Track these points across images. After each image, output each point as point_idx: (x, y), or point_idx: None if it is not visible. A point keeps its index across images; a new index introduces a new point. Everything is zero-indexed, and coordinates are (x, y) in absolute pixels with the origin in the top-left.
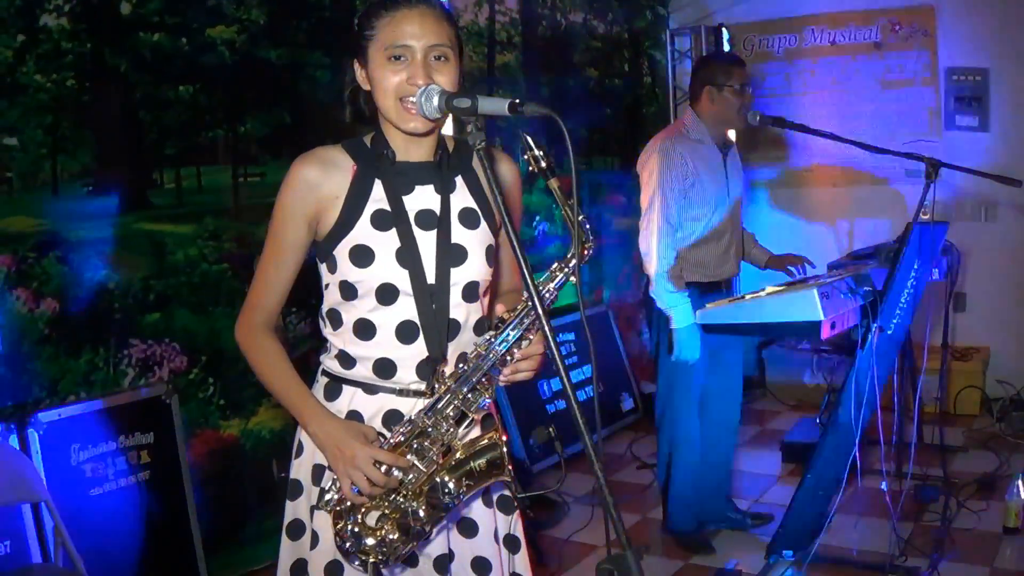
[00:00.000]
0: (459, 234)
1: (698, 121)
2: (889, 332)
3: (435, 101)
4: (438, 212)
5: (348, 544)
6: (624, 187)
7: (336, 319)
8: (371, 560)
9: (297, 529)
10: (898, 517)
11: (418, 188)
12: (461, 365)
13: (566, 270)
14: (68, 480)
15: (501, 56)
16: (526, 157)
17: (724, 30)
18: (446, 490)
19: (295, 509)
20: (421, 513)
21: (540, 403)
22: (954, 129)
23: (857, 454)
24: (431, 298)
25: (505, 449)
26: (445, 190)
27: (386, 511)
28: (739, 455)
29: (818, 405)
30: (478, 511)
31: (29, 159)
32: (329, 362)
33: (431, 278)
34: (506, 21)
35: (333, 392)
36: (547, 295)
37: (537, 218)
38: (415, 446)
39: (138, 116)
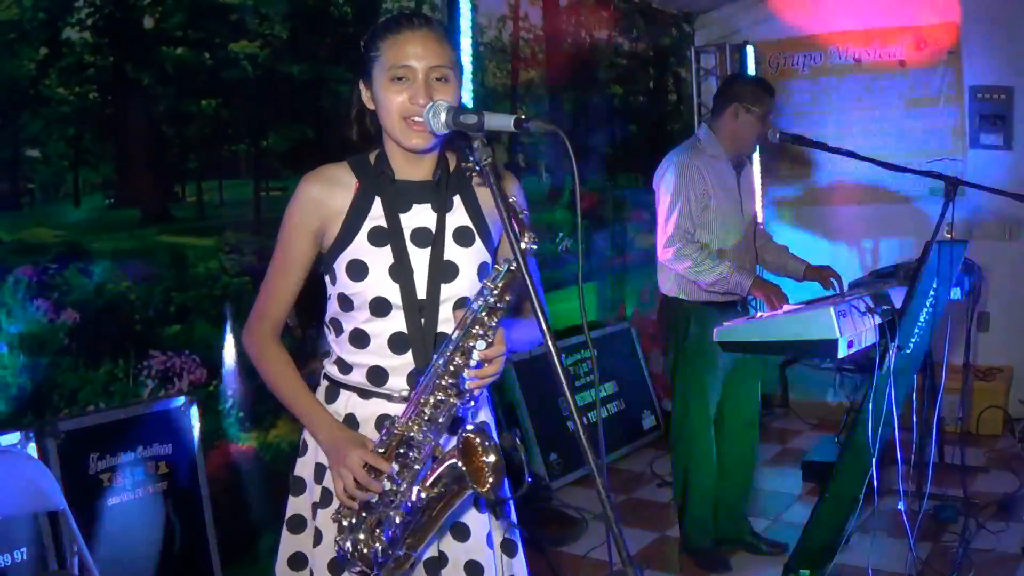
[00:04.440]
0: (452, 251)
1: (713, 138)
2: (908, 351)
3: (442, 117)
4: (433, 230)
5: (344, 551)
6: (648, 204)
7: (337, 327)
8: (362, 568)
9: (298, 524)
10: (916, 537)
11: (416, 206)
12: (420, 376)
13: (508, 265)
14: (86, 489)
15: (525, 72)
16: (470, 163)
17: (749, 48)
18: (419, 499)
19: (297, 505)
20: (397, 520)
21: (561, 419)
22: (978, 147)
23: (874, 473)
24: (420, 312)
25: (463, 466)
26: (441, 209)
27: (370, 519)
28: (760, 474)
29: (840, 424)
30: (471, 516)
31: (51, 171)
32: (330, 367)
33: (422, 293)
34: (530, 38)
35: (332, 395)
36: (500, 299)
37: (560, 235)
38: (401, 453)
39: (160, 129)
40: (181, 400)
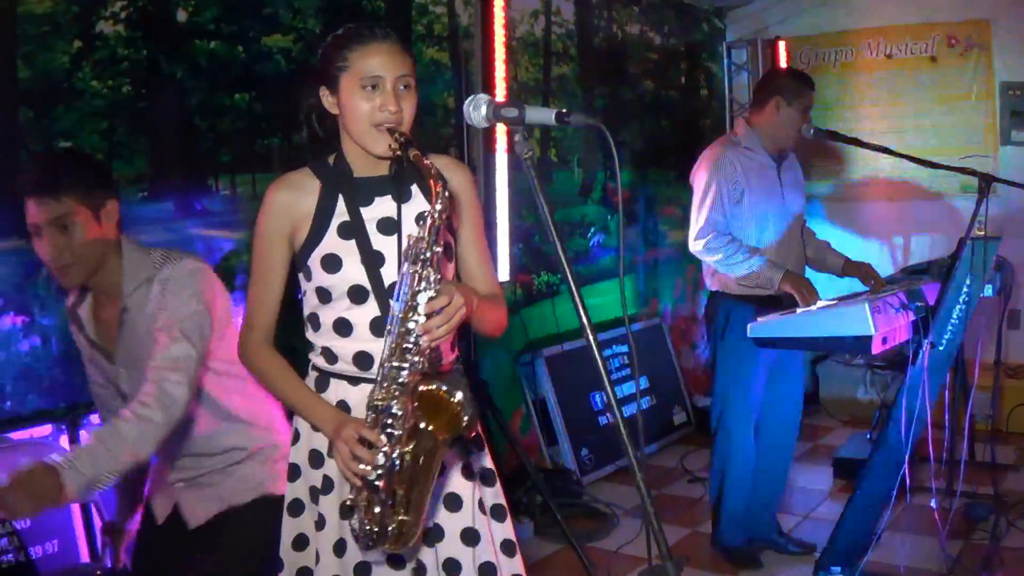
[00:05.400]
0: None
1: (750, 131)
2: (941, 348)
3: (483, 110)
4: (396, 218)
5: (355, 532)
6: (679, 199)
7: (316, 321)
8: (365, 538)
9: (297, 507)
10: (947, 535)
11: (377, 199)
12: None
13: (428, 215)
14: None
15: (557, 67)
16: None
17: (782, 43)
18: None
19: (294, 490)
20: (388, 486)
21: (592, 414)
22: (1010, 144)
23: (907, 471)
24: (387, 294)
25: (426, 424)
26: (400, 199)
27: (372, 496)
28: (791, 470)
29: (871, 421)
30: (459, 484)
31: None
32: (316, 359)
33: (393, 277)
34: (562, 32)
35: (322, 385)
36: (429, 250)
37: (592, 229)
38: (386, 424)
39: (194, 123)
40: None
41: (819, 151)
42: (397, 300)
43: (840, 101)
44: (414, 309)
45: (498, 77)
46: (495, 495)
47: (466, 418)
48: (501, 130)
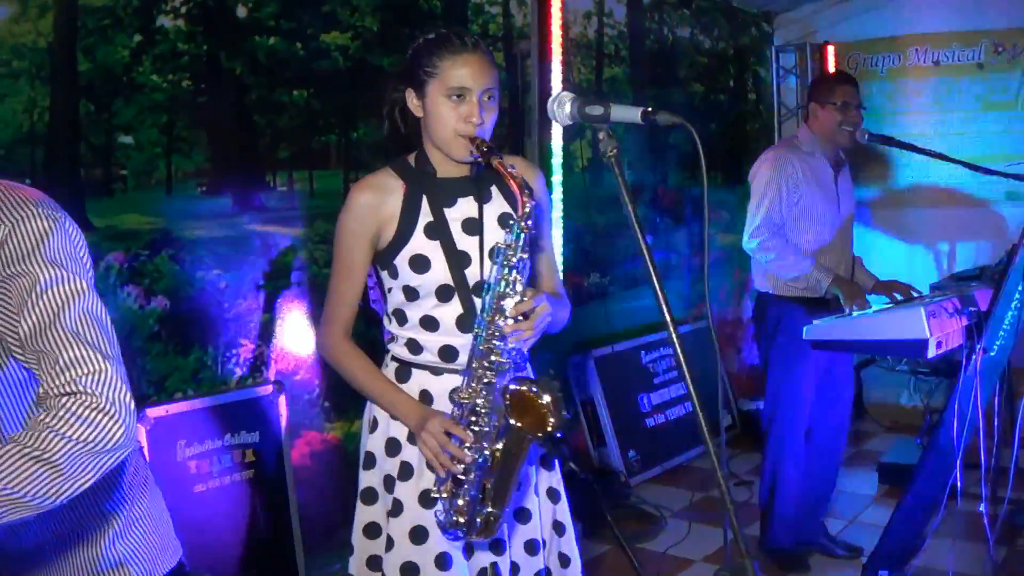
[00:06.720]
0: (496, 236)
1: (810, 135)
2: (993, 354)
3: (567, 108)
4: (479, 219)
5: (443, 523)
6: (727, 203)
7: (402, 316)
8: (453, 528)
9: (370, 496)
10: (994, 541)
11: (460, 200)
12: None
13: (516, 224)
14: (173, 476)
15: (609, 69)
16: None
17: (830, 47)
18: (486, 459)
19: (369, 478)
20: (477, 480)
21: (639, 416)
22: None
23: (959, 476)
24: (471, 293)
25: (516, 422)
26: (481, 200)
27: (459, 490)
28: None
29: (915, 426)
30: (529, 500)
31: (144, 158)
32: (398, 350)
33: (477, 276)
34: (614, 34)
35: (403, 375)
36: (517, 256)
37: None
38: (472, 421)
39: (252, 119)
40: (269, 388)
41: (866, 156)
42: (485, 305)
43: (887, 107)
44: (501, 313)
45: (554, 77)
46: (551, 478)
47: (551, 420)
48: (556, 131)
